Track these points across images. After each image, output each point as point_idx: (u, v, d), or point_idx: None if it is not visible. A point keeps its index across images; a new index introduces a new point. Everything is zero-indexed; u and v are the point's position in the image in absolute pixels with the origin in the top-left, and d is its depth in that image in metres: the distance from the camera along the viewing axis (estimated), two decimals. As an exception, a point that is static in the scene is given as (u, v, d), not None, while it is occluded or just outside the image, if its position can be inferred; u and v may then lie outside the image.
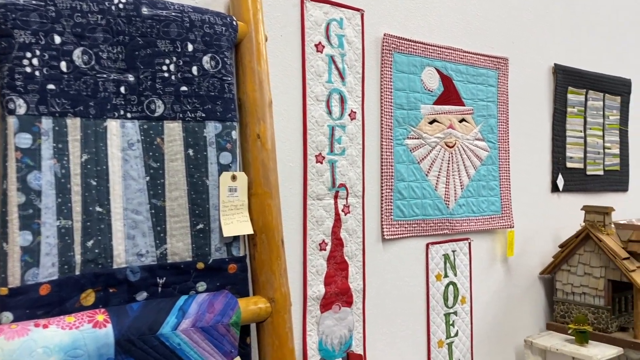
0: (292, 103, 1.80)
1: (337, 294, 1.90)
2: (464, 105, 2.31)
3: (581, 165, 2.83)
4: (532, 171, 2.62)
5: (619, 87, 3.03)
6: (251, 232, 1.49)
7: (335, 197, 1.90)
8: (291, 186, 1.80)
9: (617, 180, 3.04)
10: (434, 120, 2.20)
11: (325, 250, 1.87)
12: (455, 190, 2.27)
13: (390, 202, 2.06)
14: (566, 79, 2.74)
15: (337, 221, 1.90)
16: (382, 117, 2.04)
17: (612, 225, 2.49)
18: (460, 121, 2.30)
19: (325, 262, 1.87)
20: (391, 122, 2.07)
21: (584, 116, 2.85)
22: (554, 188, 2.71)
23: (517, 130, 2.55)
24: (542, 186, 2.66)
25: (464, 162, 2.31)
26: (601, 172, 2.94)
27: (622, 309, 2.44)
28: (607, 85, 2.96)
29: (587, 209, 2.49)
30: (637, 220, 2.72)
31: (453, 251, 2.28)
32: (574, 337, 2.38)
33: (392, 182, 2.07)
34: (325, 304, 1.87)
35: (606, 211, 2.43)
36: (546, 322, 2.61)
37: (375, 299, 2.03)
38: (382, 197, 2.04)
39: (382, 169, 2.04)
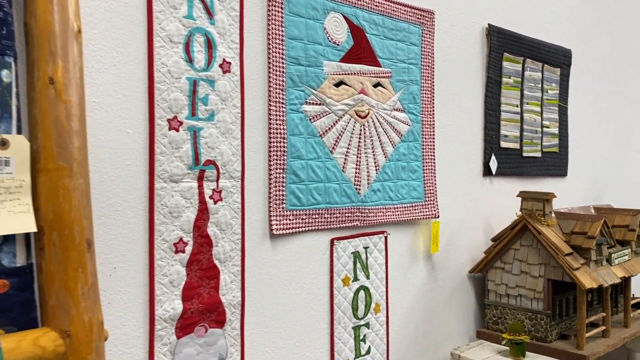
0: (130, 41, 1.26)
1: (202, 311, 1.39)
2: (380, 67, 1.84)
3: (517, 146, 2.45)
4: (461, 151, 2.20)
5: (559, 58, 2.67)
6: (34, 229, 0.96)
7: (200, 179, 1.38)
8: (130, 162, 1.27)
9: (555, 164, 2.69)
10: (341, 83, 1.72)
11: (183, 252, 1.35)
12: (368, 172, 1.81)
13: (282, 186, 1.57)
14: (502, 43, 2.34)
15: (203, 212, 1.39)
16: (270, 72, 1.54)
17: (553, 215, 2.11)
18: (375, 86, 1.83)
19: (183, 269, 1.35)
20: (283, 81, 1.57)
21: (521, 88, 2.47)
22: (487, 171, 2.30)
23: (445, 101, 2.12)
24: (473, 169, 2.25)
25: (379, 137, 1.85)
26: (539, 154, 2.57)
27: (564, 313, 2.07)
28: (547, 55, 2.59)
29: (525, 196, 2.09)
30: (580, 209, 2.36)
31: (365, 248, 1.82)
32: (508, 349, 1.98)
33: (284, 160, 1.57)
34: (184, 326, 1.36)
35: (546, 198, 2.04)
36: (476, 329, 2.21)
37: (259, 315, 1.54)
38: (270, 179, 1.55)
39: (270, 142, 1.55)
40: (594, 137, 2.99)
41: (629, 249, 2.19)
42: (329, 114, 1.69)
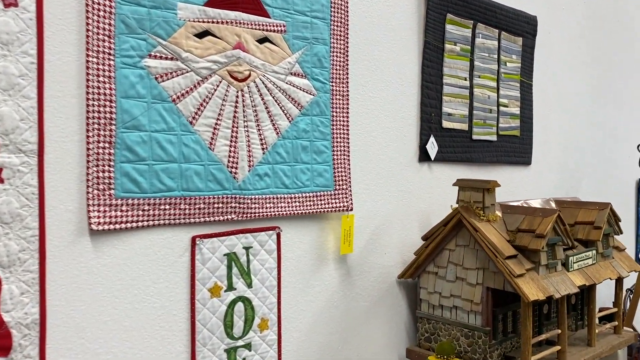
0: None
1: (-36, 335, 1.00)
2: (269, 17, 1.45)
3: (465, 126, 2.05)
4: (390, 130, 1.80)
5: (520, 25, 2.27)
6: None
7: (-38, 152, 0.99)
8: None
9: (516, 150, 2.29)
10: (206, 33, 1.33)
11: None
12: (250, 152, 1.42)
13: (108, 165, 1.18)
14: (444, 1, 1.94)
15: (-33, 197, 0.99)
16: (88, 12, 1.15)
17: (497, 208, 1.72)
18: (261, 41, 1.44)
19: None
20: (110, 24, 1.17)
21: (471, 58, 2.07)
22: (424, 156, 1.91)
23: (367, 67, 1.72)
24: (405, 152, 1.85)
25: (267, 108, 1.45)
26: (494, 137, 2.17)
27: (508, 330, 1.68)
28: (505, 21, 2.19)
29: (462, 184, 1.70)
30: (544, 202, 1.96)
31: (247, 248, 1.43)
32: (436, 374, 1.59)
33: (111, 130, 1.18)
34: None
35: (487, 187, 1.64)
36: (407, 347, 1.82)
37: (74, 339, 1.15)
38: (88, 156, 1.15)
39: (88, 105, 1.15)
40: (565, 119, 2.58)
41: (594, 251, 1.80)
42: (187, 72, 1.30)
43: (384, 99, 1.78)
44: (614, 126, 2.91)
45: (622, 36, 2.93)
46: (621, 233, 1.92)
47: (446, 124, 1.97)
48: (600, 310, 2.06)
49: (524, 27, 2.28)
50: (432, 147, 1.92)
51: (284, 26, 1.48)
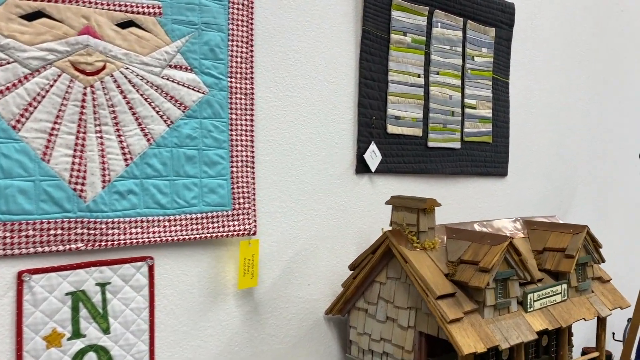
0: None
1: None
2: (136, -4, 1.16)
3: (418, 132, 1.73)
4: (315, 135, 1.50)
5: (493, 13, 1.94)
6: None
7: None
8: None
9: (487, 159, 1.96)
10: (38, 14, 1.05)
11: None
12: (104, 164, 1.13)
13: None
14: (388, -18, 1.63)
15: None
16: None
17: (441, 232, 1.40)
18: (124, 26, 1.15)
19: None
20: None
21: (427, 51, 1.75)
22: (362, 167, 1.60)
23: (281, 60, 1.42)
24: (337, 163, 1.55)
25: (132, 108, 1.17)
26: (457, 144, 1.85)
27: (448, 384, 1.36)
28: (472, 8, 1.86)
29: (394, 202, 1.38)
30: (512, 222, 1.62)
31: (102, 284, 1.14)
32: None
33: None
34: None
35: (422, 207, 1.32)
36: (334, 398, 1.51)
37: None
38: None
39: None
40: (553, 123, 2.24)
41: (564, 285, 1.46)
42: (7, 64, 1.02)
43: (307, 99, 1.48)
44: (616, 131, 2.55)
45: (626, 27, 2.57)
46: (602, 262, 1.58)
47: (392, 128, 1.66)
48: (584, 352, 1.73)
49: (497, 15, 1.95)
50: (373, 157, 1.61)
51: (159, 7, 1.19)
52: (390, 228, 1.38)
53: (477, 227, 1.52)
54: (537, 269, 1.49)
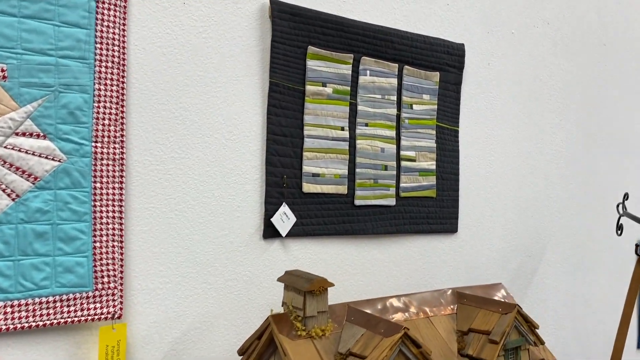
0: None
1: None
2: (-29, 59, 1.05)
3: (342, 189, 1.57)
4: (210, 199, 1.36)
5: (437, 56, 1.78)
6: None
7: None
8: None
9: (430, 215, 1.78)
10: None
11: None
12: None
13: None
14: (301, 30, 1.49)
15: None
16: None
17: (339, 313, 1.23)
18: (-45, 92, 1.04)
19: None
20: None
21: (353, 102, 1.60)
22: (271, 231, 1.44)
23: (165, 120, 1.29)
24: (240, 227, 1.41)
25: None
26: (391, 201, 1.68)
27: None
28: (409, 52, 1.71)
29: (285, 281, 1.22)
30: (439, 295, 1.43)
31: None
32: None
33: None
34: None
35: (309, 288, 1.16)
36: None
37: None
38: None
39: None
40: (515, 173, 2.05)
41: (488, 375, 1.27)
42: None
43: (200, 160, 1.34)
44: (595, 180, 2.33)
45: (608, 62, 2.37)
46: (540, 344, 1.38)
47: (309, 187, 1.51)
48: None
49: (441, 58, 1.79)
50: (284, 219, 1.46)
51: (2, 70, 1.08)
52: (278, 310, 1.22)
53: (392, 303, 1.35)
54: (458, 353, 1.30)
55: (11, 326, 1.08)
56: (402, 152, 1.71)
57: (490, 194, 1.96)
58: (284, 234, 1.46)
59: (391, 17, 1.69)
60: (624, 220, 1.90)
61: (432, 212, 1.78)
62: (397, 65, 1.68)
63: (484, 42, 1.93)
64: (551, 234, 2.17)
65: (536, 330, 1.37)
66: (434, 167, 1.78)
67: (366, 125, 1.63)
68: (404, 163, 1.71)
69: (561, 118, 2.20)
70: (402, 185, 1.70)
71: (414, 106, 1.73)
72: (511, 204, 2.03)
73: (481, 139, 1.93)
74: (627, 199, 1.92)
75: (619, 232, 1.90)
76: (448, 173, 1.82)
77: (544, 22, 2.13)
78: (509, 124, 2.01)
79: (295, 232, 1.49)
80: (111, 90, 1.20)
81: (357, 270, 1.62)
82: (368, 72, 1.62)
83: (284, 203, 1.46)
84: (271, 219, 1.44)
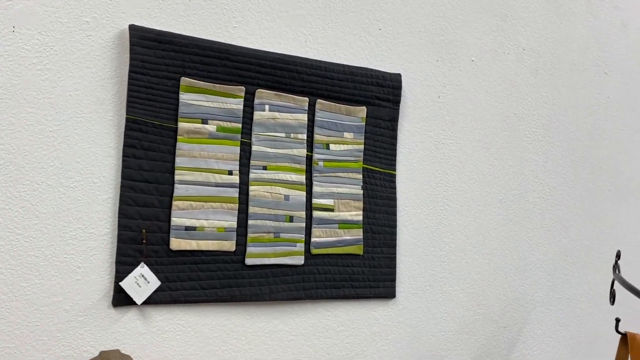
0: None
1: None
2: None
3: (228, 245, 1.31)
4: (35, 266, 1.13)
5: (362, 88, 1.51)
6: None
7: None
8: None
9: (357, 277, 1.47)
10: None
11: None
12: None
13: None
14: (167, 58, 1.28)
15: None
16: None
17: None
18: None
19: None
20: None
21: (246, 141, 1.35)
22: (123, 297, 1.20)
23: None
24: (76, 295, 1.17)
25: None
26: (298, 260, 1.39)
27: None
28: (324, 82, 1.45)
29: (85, 366, 0.96)
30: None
31: None
32: None
33: None
34: None
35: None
36: None
37: None
38: None
39: None
40: (474, 227, 1.70)
41: None
42: None
43: (29, 211, 1.13)
44: (593, 231, 1.93)
45: (609, 95, 2.00)
46: None
47: (180, 243, 1.26)
48: None
49: (368, 90, 1.52)
50: (142, 283, 1.21)
51: None
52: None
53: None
54: None
55: None
56: (315, 200, 1.43)
57: (445, 251, 1.63)
58: (139, 302, 1.20)
59: (300, 45, 1.45)
60: (618, 287, 1.51)
61: (358, 272, 1.47)
62: (307, 99, 1.43)
63: (432, 72, 1.65)
64: (535, 299, 1.78)
65: None
66: (360, 218, 1.49)
67: (264, 168, 1.37)
68: (317, 213, 1.43)
69: (547, 159, 1.85)
70: (314, 240, 1.42)
71: (332, 146, 1.46)
72: (476, 264, 1.68)
73: (430, 185, 1.62)
74: (619, 259, 1.53)
75: (612, 300, 1.50)
76: (381, 225, 1.52)
77: (518, 48, 1.82)
78: (469, 167, 1.69)
79: (160, 299, 1.24)
80: None
81: (251, 345, 1.33)
82: (267, 106, 1.38)
83: (142, 263, 1.22)
84: (120, 283, 1.19)
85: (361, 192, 1.49)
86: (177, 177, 1.27)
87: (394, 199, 1.55)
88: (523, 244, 1.78)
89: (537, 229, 1.81)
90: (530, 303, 1.77)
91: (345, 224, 1.46)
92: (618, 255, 1.53)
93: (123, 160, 1.22)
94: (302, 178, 1.42)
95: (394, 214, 1.54)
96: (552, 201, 1.85)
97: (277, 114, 1.39)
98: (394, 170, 1.56)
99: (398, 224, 1.56)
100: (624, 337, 1.33)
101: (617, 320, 1.36)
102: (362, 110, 1.51)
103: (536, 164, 1.83)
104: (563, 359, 1.81)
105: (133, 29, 1.23)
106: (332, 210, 1.45)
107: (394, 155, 1.56)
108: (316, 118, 1.44)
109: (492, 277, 1.71)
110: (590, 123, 1.95)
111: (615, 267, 1.49)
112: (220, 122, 1.32)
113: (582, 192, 1.92)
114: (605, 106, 1.99)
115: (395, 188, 1.55)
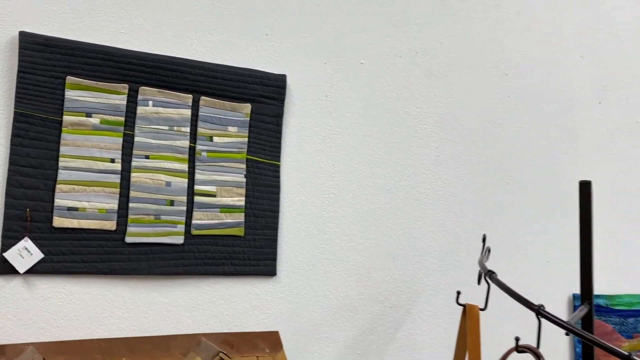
0: None
1: None
2: None
3: (109, 225, 1.48)
4: None
5: (246, 87, 1.68)
6: None
7: None
8: None
9: (237, 256, 1.64)
10: None
11: None
12: None
13: None
14: (53, 59, 1.46)
15: None
16: None
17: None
18: None
19: None
20: None
21: (128, 133, 1.53)
22: (7, 267, 1.37)
23: None
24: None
25: None
26: (178, 239, 1.56)
27: None
28: (208, 82, 1.63)
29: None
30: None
31: None
32: None
33: None
34: None
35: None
36: None
37: None
38: None
39: None
40: (360, 214, 1.86)
41: None
42: None
43: None
44: (483, 221, 2.07)
45: (510, 93, 2.14)
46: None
47: (62, 221, 1.43)
48: None
49: (253, 89, 1.69)
50: (25, 255, 1.38)
51: None
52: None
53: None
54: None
55: None
56: (197, 187, 1.60)
57: (330, 235, 1.78)
58: (21, 271, 1.38)
59: (187, 48, 1.62)
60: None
61: (238, 252, 1.64)
62: (191, 96, 1.60)
63: (320, 73, 1.81)
64: (425, 283, 1.92)
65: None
66: (242, 203, 1.65)
67: (147, 157, 1.54)
68: (198, 198, 1.59)
69: (439, 153, 2.00)
70: (195, 222, 1.58)
71: (215, 138, 1.63)
72: (361, 247, 1.83)
73: (316, 175, 1.78)
74: (485, 242, 1.67)
75: (479, 281, 1.64)
76: (263, 210, 1.68)
77: (411, 51, 1.97)
78: (357, 159, 1.85)
79: (43, 270, 1.41)
80: None
81: (130, 314, 1.50)
82: (150, 102, 1.56)
83: (26, 237, 1.39)
84: (4, 254, 1.37)
85: (244, 180, 1.66)
86: (61, 164, 1.45)
87: (277, 187, 1.71)
88: (414, 232, 1.92)
89: (429, 218, 1.96)
90: (420, 286, 1.91)
91: (226, 209, 1.63)
92: (484, 240, 1.68)
93: (11, 149, 1.40)
94: (184, 167, 1.59)
95: (277, 200, 1.70)
96: (445, 192, 2.00)
97: (160, 109, 1.57)
98: (278, 161, 1.72)
99: (282, 209, 1.71)
100: (464, 309, 1.47)
101: (458, 293, 1.50)
102: (246, 107, 1.68)
103: (428, 158, 1.98)
104: (452, 338, 1.95)
105: (23, 34, 1.42)
106: (214, 196, 1.62)
107: (279, 147, 1.72)
108: (200, 113, 1.62)
109: (379, 261, 1.85)
110: (488, 120, 2.10)
111: (483, 251, 1.63)
112: (104, 116, 1.50)
113: (479, 185, 2.06)
114: (504, 104, 2.13)
115: (279, 177, 1.71)
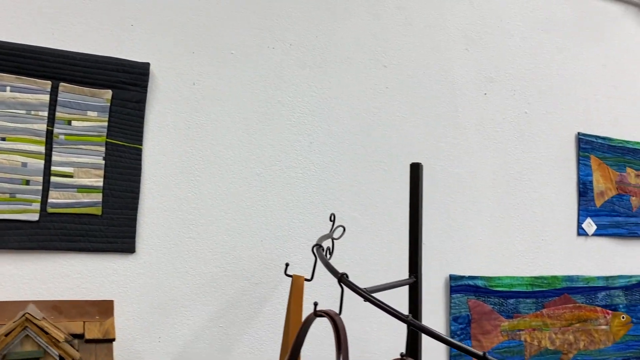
0: None
1: None
2: None
3: (-39, 202, 1.58)
4: None
5: (107, 74, 1.79)
6: None
7: None
8: None
9: (94, 233, 1.74)
10: None
11: None
12: None
13: None
14: None
15: None
16: None
17: None
18: None
19: None
20: None
21: (-17, 117, 1.63)
22: None
23: None
24: None
25: None
26: (33, 216, 1.67)
27: None
28: (70, 69, 1.73)
29: None
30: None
31: None
32: None
33: None
34: None
35: None
36: None
37: None
38: None
39: None
40: (226, 196, 1.97)
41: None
42: None
43: None
44: (346, 207, 2.19)
45: (388, 83, 2.26)
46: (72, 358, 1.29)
47: None
48: None
49: (114, 76, 1.79)
50: None
51: None
52: None
53: None
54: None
55: None
56: (54, 168, 1.70)
57: (194, 215, 1.89)
58: None
59: (48, 37, 1.72)
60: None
61: (95, 230, 1.74)
62: (49, 82, 1.71)
63: (187, 62, 1.92)
64: (294, 261, 2.04)
65: (63, 343, 1.28)
66: (100, 184, 1.75)
67: (3, 139, 1.64)
68: (55, 179, 1.70)
69: (312, 140, 2.11)
70: (51, 201, 1.69)
71: (74, 122, 1.73)
72: (227, 227, 1.94)
73: (181, 158, 1.89)
74: (333, 221, 1.78)
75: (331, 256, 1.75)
76: (122, 191, 1.78)
77: (285, 43, 2.09)
78: (225, 144, 1.96)
79: None
80: None
81: (-18, 285, 1.60)
82: (8, 88, 1.65)
83: None
84: None
85: (103, 162, 1.76)
86: None
87: (138, 169, 1.81)
88: (284, 213, 2.04)
89: (300, 201, 2.07)
90: (289, 265, 2.03)
91: (84, 189, 1.73)
92: (331, 219, 1.79)
93: None
94: (41, 149, 1.69)
95: (138, 182, 1.81)
96: (318, 177, 2.11)
97: (17, 94, 1.67)
98: (140, 144, 1.82)
99: (144, 191, 1.82)
100: (292, 279, 1.59)
101: (287, 265, 1.62)
102: (107, 93, 1.78)
103: (300, 145, 2.09)
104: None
105: None
106: (71, 176, 1.72)
107: (141, 132, 1.83)
108: (59, 98, 1.72)
109: (246, 240, 1.96)
110: (365, 110, 2.21)
111: (332, 228, 1.74)
112: (-41, 100, 1.60)
113: (355, 170, 2.17)
114: (382, 95, 2.25)
115: (140, 160, 1.82)
